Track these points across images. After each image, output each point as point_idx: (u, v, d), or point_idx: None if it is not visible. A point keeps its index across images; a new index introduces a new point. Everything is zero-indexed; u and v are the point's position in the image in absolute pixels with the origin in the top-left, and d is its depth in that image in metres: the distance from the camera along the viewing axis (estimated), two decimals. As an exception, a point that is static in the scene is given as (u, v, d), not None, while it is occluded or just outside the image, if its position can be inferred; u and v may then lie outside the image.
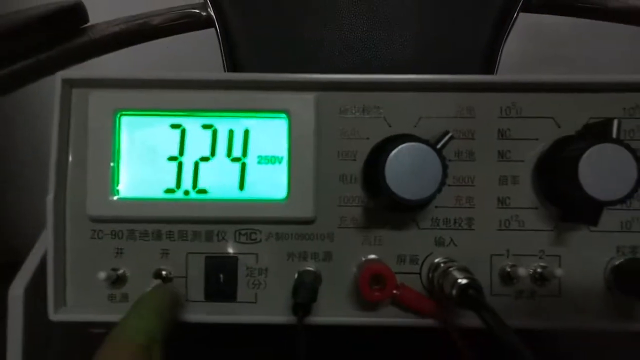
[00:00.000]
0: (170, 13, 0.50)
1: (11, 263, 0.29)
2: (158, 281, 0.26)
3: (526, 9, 0.48)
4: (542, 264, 0.26)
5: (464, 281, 0.22)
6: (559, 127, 0.26)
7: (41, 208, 0.26)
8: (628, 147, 0.22)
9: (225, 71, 0.48)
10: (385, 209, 0.25)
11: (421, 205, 0.25)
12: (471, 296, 0.21)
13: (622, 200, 0.22)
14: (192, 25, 0.51)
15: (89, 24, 0.47)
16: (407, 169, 0.23)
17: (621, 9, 0.45)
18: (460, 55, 0.47)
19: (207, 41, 0.52)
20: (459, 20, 0.47)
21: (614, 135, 0.23)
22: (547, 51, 0.84)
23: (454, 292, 0.22)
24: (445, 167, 0.23)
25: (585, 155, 0.22)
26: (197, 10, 0.50)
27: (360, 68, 0.48)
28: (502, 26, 0.47)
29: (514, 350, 0.19)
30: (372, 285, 0.24)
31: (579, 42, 0.80)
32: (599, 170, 0.22)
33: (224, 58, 0.49)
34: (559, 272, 0.25)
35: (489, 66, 0.47)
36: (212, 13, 0.49)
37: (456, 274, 0.23)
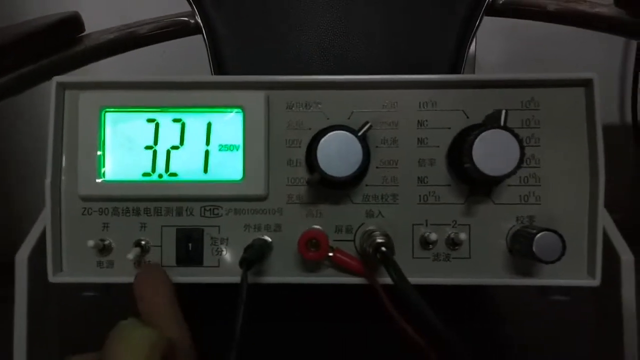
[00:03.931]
0: (160, 21, 0.56)
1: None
2: (137, 249, 0.31)
3: (488, 13, 0.53)
4: (455, 231, 0.31)
5: (379, 240, 0.27)
6: (468, 117, 0.31)
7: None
8: (512, 132, 0.27)
9: (211, 73, 0.53)
10: (321, 185, 0.30)
11: (349, 182, 0.30)
12: (382, 252, 0.27)
13: (508, 176, 0.28)
14: (181, 32, 0.56)
15: (84, 33, 0.52)
16: (335, 151, 0.28)
17: (559, 11, 0.50)
18: (428, 59, 0.52)
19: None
20: (426, 25, 0.51)
21: (502, 123, 0.28)
22: (529, 52, 0.89)
23: (371, 250, 0.28)
24: (365, 150, 0.28)
25: (477, 140, 0.28)
26: (186, 18, 0.55)
27: (335, 70, 0.53)
28: (467, 30, 0.52)
29: (410, 299, 0.24)
30: (309, 248, 0.29)
31: (560, 44, 0.84)
32: (489, 152, 0.27)
33: (210, 61, 0.54)
34: (463, 236, 0.30)
35: (456, 67, 0.51)
36: (200, 21, 0.54)
37: (376, 236, 0.28)
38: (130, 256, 0.30)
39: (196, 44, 0.54)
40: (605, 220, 0.30)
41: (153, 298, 0.28)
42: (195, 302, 0.39)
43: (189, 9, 0.54)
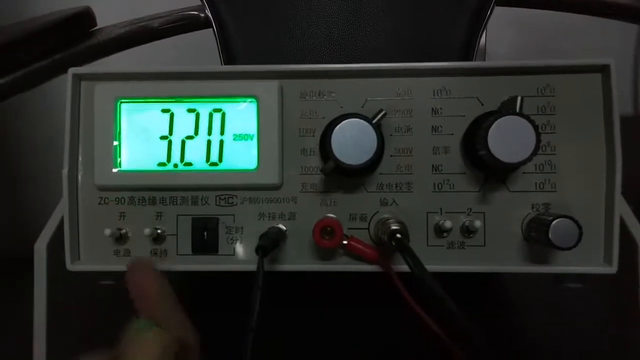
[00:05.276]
0: (171, 15, 0.56)
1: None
2: (153, 230, 0.31)
3: (499, 3, 0.52)
4: (469, 219, 0.31)
5: (394, 227, 0.27)
6: (482, 105, 0.31)
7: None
8: (528, 118, 0.27)
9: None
10: (336, 173, 0.30)
11: (363, 170, 0.30)
12: (397, 239, 0.27)
13: (523, 163, 0.27)
14: (191, 26, 0.56)
15: (97, 27, 0.53)
16: (349, 139, 0.28)
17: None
18: (438, 50, 0.52)
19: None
20: (437, 16, 0.51)
21: (518, 109, 0.28)
22: (540, 43, 0.88)
23: (386, 237, 0.28)
24: (379, 137, 0.28)
25: (493, 126, 0.27)
26: (196, 12, 0.55)
27: (345, 62, 0.52)
28: (478, 20, 0.51)
29: (427, 285, 0.24)
30: (324, 236, 0.29)
31: (573, 33, 0.83)
32: (505, 138, 0.27)
33: (220, 55, 0.54)
34: (477, 224, 0.30)
35: (467, 58, 0.51)
36: (210, 14, 0.54)
37: (391, 224, 0.28)
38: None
39: (206, 38, 0.54)
40: (622, 207, 0.30)
41: (147, 291, 0.25)
42: (205, 290, 0.39)
43: (199, 3, 0.54)
